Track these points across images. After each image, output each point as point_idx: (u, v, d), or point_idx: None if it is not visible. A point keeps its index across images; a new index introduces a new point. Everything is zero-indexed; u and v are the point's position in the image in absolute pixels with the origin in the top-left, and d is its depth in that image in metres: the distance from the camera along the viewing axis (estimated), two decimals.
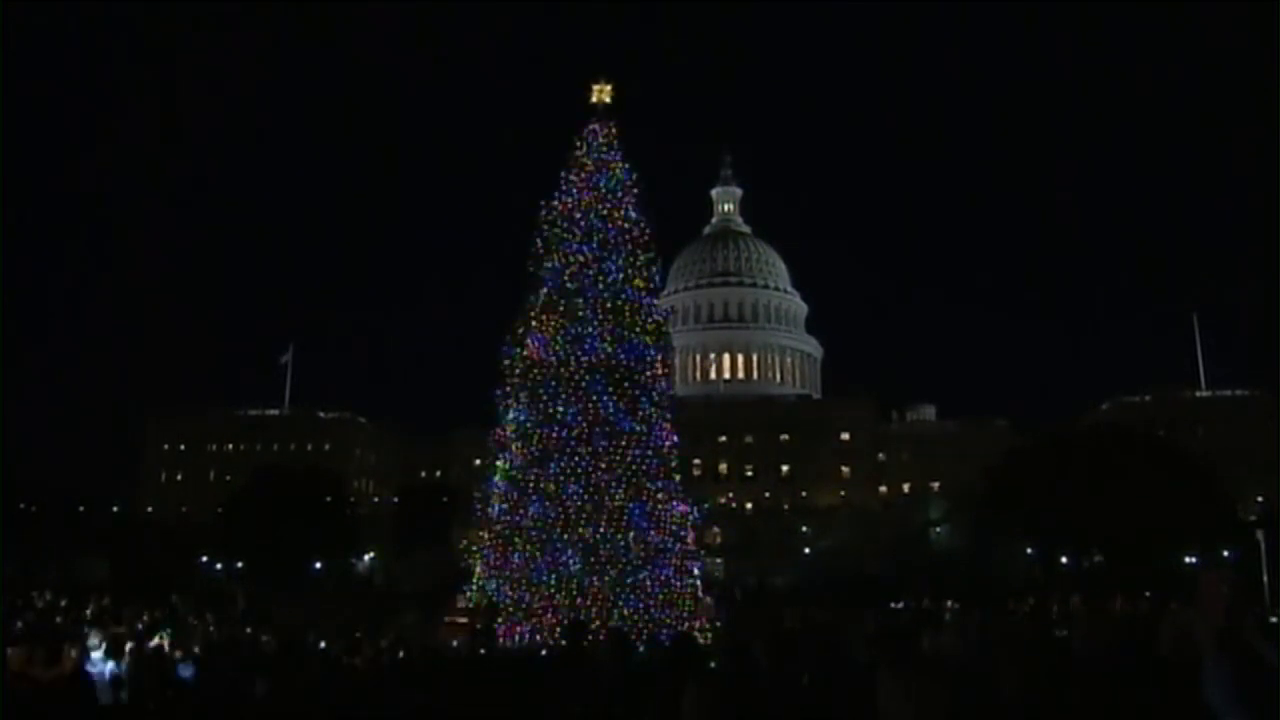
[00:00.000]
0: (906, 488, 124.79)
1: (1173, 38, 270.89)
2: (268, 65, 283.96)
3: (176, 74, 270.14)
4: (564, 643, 15.33)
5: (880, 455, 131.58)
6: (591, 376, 25.69)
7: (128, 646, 15.12)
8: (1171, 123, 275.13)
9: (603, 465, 25.03)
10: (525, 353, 26.56)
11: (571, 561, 24.13)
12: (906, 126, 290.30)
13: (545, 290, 26.94)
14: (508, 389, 26.62)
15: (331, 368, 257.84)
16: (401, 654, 19.17)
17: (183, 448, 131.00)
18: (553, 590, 23.88)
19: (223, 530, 79.06)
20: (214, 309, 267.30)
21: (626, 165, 28.05)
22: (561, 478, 24.99)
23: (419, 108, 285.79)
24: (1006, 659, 7.82)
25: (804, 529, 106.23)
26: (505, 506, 25.70)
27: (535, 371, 26.25)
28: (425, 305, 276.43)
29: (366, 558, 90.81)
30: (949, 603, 37.31)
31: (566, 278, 26.71)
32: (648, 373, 26.46)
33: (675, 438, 26.99)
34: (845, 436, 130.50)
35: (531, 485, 25.22)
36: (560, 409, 25.54)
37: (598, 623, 21.77)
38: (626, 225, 27.31)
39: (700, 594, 26.47)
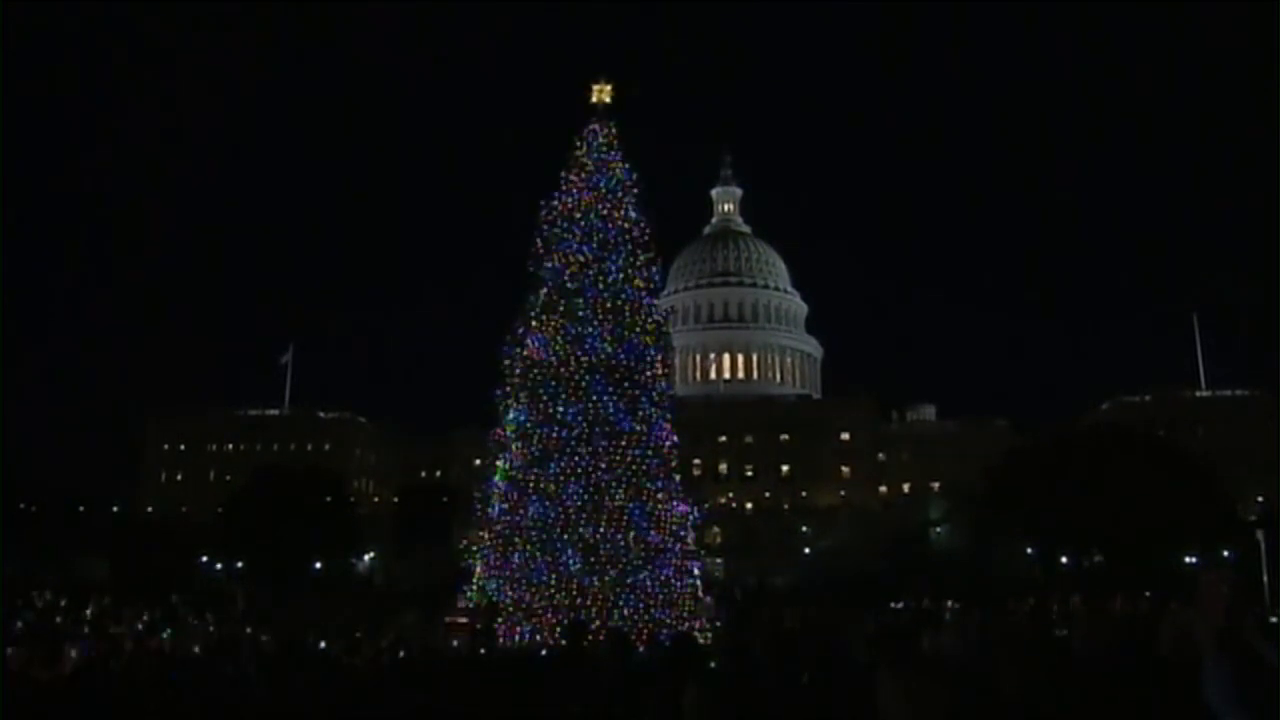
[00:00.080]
0: (906, 488, 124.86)
1: (1173, 38, 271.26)
2: (268, 65, 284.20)
3: (176, 74, 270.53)
4: (564, 643, 15.35)
5: (880, 455, 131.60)
6: (591, 376, 25.69)
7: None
8: (1171, 123, 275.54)
9: (603, 465, 25.03)
10: (525, 353, 26.55)
11: (571, 561, 24.12)
12: (906, 127, 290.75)
13: (545, 290, 26.93)
14: (508, 389, 26.61)
15: (331, 368, 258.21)
16: (401, 654, 19.18)
17: (183, 448, 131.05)
18: (553, 590, 23.87)
19: (223, 530, 79.02)
20: (214, 309, 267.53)
21: (626, 165, 28.05)
22: (561, 478, 24.99)
23: (419, 108, 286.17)
24: (1006, 659, 7.81)
25: (804, 529, 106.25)
26: (505, 506, 25.69)
27: (535, 371, 26.25)
28: (425, 305, 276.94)
29: (366, 558, 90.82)
30: (949, 603, 37.28)
31: (566, 278, 26.71)
32: (648, 373, 26.46)
33: (675, 438, 26.97)
34: (845, 436, 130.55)
35: (531, 485, 25.22)
36: (560, 409, 25.54)
37: (598, 623, 21.79)
38: (626, 225, 27.31)
39: (700, 594, 26.45)
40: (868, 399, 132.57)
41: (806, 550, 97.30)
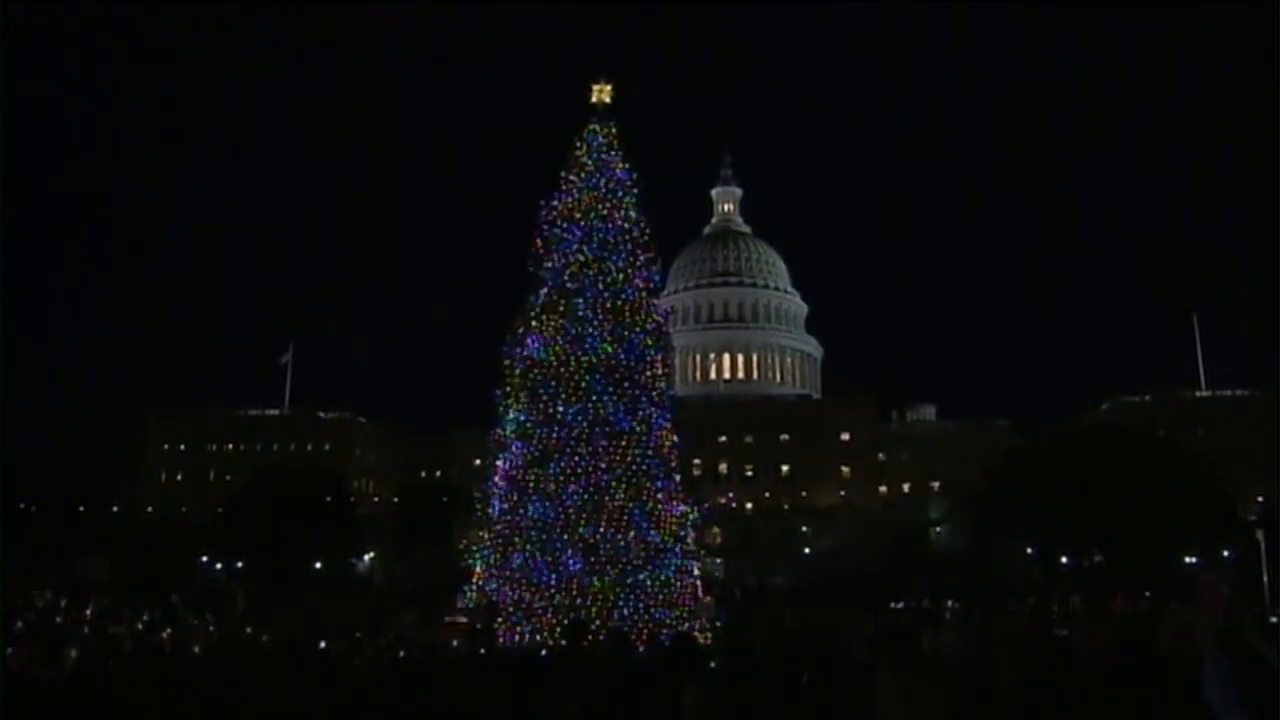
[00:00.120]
0: (906, 488, 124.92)
1: (1173, 38, 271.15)
2: (268, 65, 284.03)
3: (176, 74, 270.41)
4: (564, 643, 15.34)
5: (880, 455, 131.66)
6: (591, 376, 25.67)
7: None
8: (1171, 123, 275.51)
9: (603, 465, 25.01)
10: (525, 353, 26.54)
11: (571, 561, 24.11)
12: (906, 126, 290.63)
13: (545, 290, 26.92)
14: (508, 389, 26.60)
15: (331, 368, 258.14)
16: (401, 654, 19.16)
17: (183, 448, 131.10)
18: (553, 590, 23.86)
19: (223, 530, 79.02)
20: (214, 309, 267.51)
21: (626, 165, 28.02)
22: (561, 478, 24.97)
23: (419, 108, 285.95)
24: (1006, 659, 7.82)
25: (804, 529, 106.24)
26: (505, 506, 25.68)
27: (535, 371, 26.23)
28: (425, 305, 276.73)
29: (366, 558, 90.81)
30: (949, 603, 37.25)
31: (566, 278, 26.69)
32: (648, 373, 26.44)
33: (675, 438, 26.96)
34: (845, 436, 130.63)
35: (531, 485, 25.20)
36: (560, 409, 25.52)
37: (598, 623, 21.77)
38: (626, 225, 27.30)
39: (700, 594, 26.46)
40: (868, 399, 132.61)
41: (806, 550, 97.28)
